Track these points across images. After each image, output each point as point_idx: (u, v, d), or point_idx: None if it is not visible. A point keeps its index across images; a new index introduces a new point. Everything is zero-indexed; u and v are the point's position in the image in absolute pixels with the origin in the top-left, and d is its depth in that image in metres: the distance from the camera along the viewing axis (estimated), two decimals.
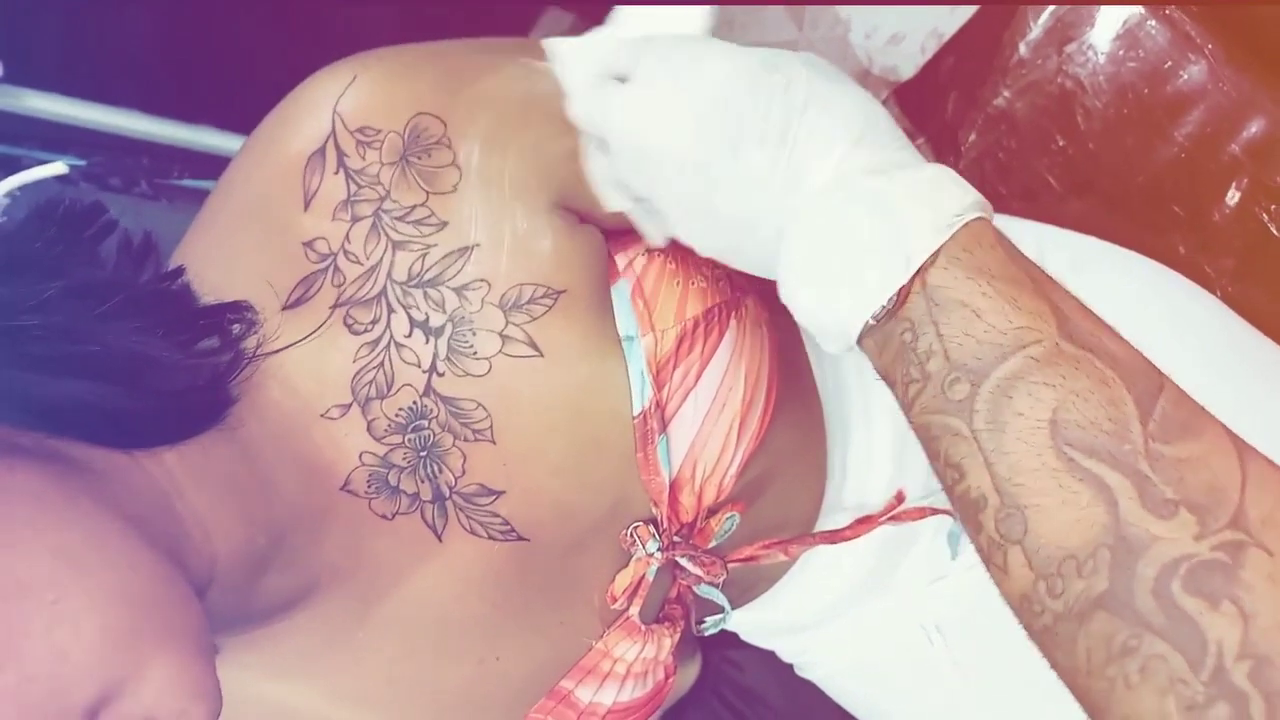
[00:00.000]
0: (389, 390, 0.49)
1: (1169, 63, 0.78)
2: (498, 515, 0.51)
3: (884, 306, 0.41)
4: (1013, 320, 0.38)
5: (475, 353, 0.50)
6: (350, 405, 0.49)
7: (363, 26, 1.17)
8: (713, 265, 0.57)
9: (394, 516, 0.50)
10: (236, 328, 0.48)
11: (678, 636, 0.60)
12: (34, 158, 1.07)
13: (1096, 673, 0.35)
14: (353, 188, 0.49)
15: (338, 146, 0.49)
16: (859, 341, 0.43)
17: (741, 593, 0.69)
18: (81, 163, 1.07)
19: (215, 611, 0.43)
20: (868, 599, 0.72)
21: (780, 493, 0.63)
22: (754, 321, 0.57)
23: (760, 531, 0.62)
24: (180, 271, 0.49)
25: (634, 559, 0.56)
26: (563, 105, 0.52)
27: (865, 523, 0.66)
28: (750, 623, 0.76)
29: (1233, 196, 0.76)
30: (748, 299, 0.57)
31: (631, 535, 0.56)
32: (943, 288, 0.40)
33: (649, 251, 0.56)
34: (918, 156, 0.45)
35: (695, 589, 0.62)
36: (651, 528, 0.56)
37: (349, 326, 0.49)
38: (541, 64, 0.53)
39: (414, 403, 0.49)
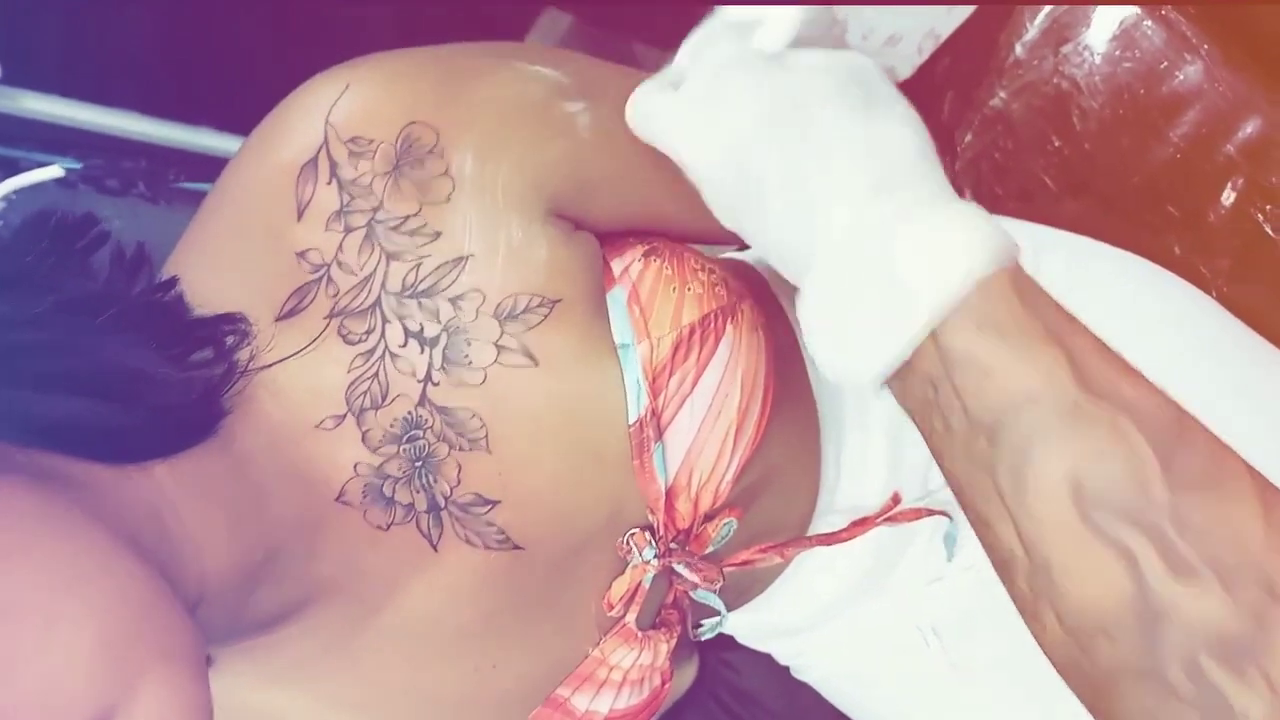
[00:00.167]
0: (384, 400, 0.49)
1: (1165, 63, 0.77)
2: (493, 524, 0.52)
3: (898, 363, 0.41)
4: (1024, 377, 0.38)
5: (470, 363, 0.50)
6: (345, 416, 0.49)
7: (360, 26, 1.17)
8: (710, 270, 0.57)
9: (389, 527, 0.50)
10: (230, 339, 0.48)
11: (674, 642, 0.60)
12: (32, 159, 1.07)
13: None
14: (345, 198, 0.49)
15: (330, 157, 0.49)
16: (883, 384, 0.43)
17: (737, 595, 0.69)
18: (78, 165, 1.07)
19: (208, 624, 0.43)
20: (863, 600, 0.73)
21: (776, 496, 0.63)
22: (750, 326, 0.57)
23: (756, 535, 0.62)
24: (173, 282, 0.49)
25: (630, 566, 0.56)
26: (556, 110, 0.52)
27: (861, 524, 0.66)
28: (746, 625, 0.76)
29: (1228, 197, 0.76)
30: (744, 303, 0.57)
31: (628, 542, 0.56)
32: (953, 347, 0.39)
33: (645, 256, 0.56)
34: (941, 191, 0.43)
35: (691, 594, 0.62)
36: (648, 535, 0.56)
37: (343, 337, 0.49)
38: (535, 68, 0.53)
39: (409, 413, 0.49)
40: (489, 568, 0.52)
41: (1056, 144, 0.81)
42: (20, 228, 0.44)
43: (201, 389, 0.45)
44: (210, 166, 1.10)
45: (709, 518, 0.57)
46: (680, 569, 0.58)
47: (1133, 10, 0.79)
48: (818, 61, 0.46)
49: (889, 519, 0.67)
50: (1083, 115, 0.80)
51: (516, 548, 0.52)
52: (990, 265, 0.39)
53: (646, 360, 0.52)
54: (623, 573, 0.56)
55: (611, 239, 0.57)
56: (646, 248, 0.56)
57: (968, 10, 0.87)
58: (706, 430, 0.54)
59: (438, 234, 0.49)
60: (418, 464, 0.50)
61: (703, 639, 0.66)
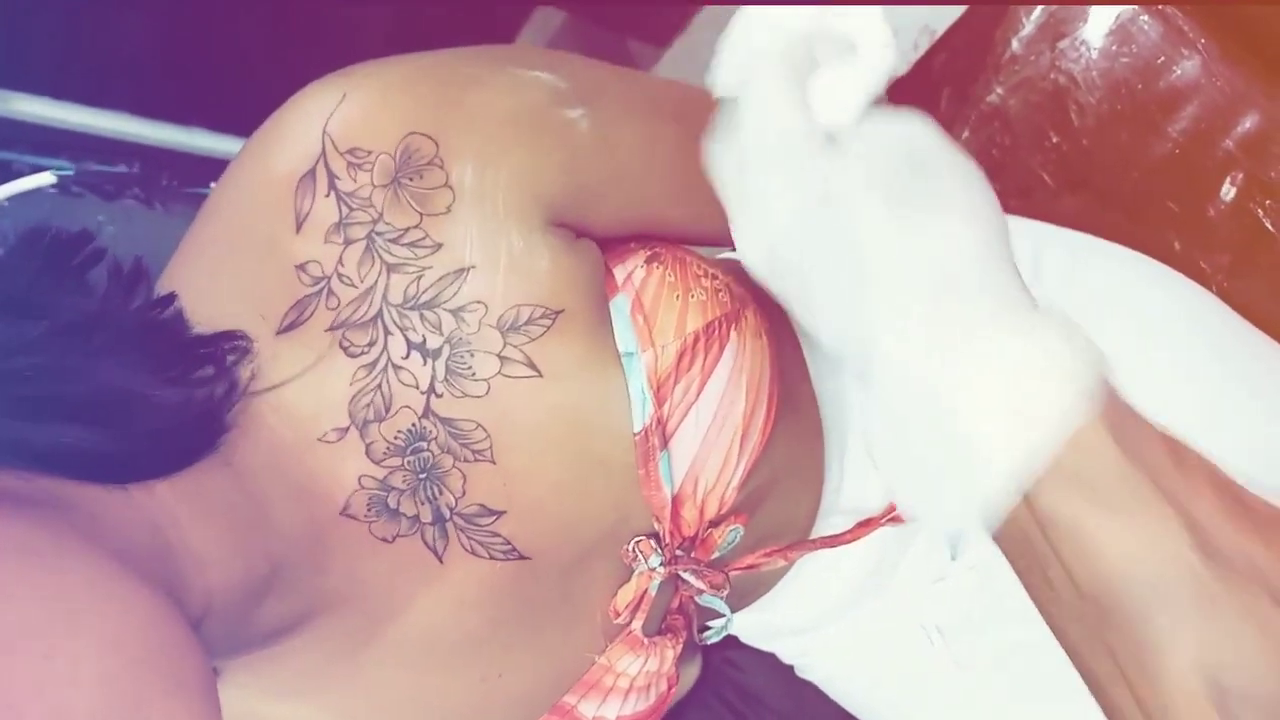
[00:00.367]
0: (387, 413, 0.49)
1: (1162, 58, 0.77)
2: (499, 535, 0.51)
3: (984, 531, 0.36)
4: (1137, 549, 0.33)
5: (474, 374, 0.49)
6: (348, 428, 0.49)
7: (355, 25, 1.16)
8: (713, 275, 0.57)
9: (394, 539, 0.50)
10: (231, 357, 0.47)
11: (680, 647, 0.60)
12: (24, 162, 1.07)
13: None
14: (345, 210, 0.48)
15: (328, 168, 0.48)
16: None
17: (741, 597, 0.69)
18: (71, 168, 1.06)
19: (212, 639, 0.43)
20: (867, 600, 0.73)
21: (780, 500, 0.63)
22: (754, 332, 0.57)
23: (761, 540, 0.62)
24: (171, 299, 0.48)
25: (636, 574, 0.56)
26: (555, 117, 0.51)
27: (866, 525, 0.66)
28: (750, 625, 0.76)
29: (1228, 192, 0.75)
30: (748, 310, 0.57)
31: (634, 550, 0.56)
32: (1047, 509, 0.34)
33: (647, 262, 0.55)
34: (1008, 302, 0.36)
35: (697, 599, 0.62)
36: (653, 542, 0.56)
37: (345, 349, 0.49)
38: (532, 73, 0.53)
39: (413, 425, 0.49)
40: (495, 578, 0.52)
41: (1054, 140, 0.81)
42: (14, 247, 0.43)
43: (201, 408, 0.45)
44: (204, 168, 1.09)
45: (714, 524, 0.57)
46: (686, 575, 0.58)
47: (1129, 5, 0.78)
48: (868, 144, 0.40)
49: (892, 519, 0.67)
50: (1080, 111, 0.80)
51: (522, 558, 0.52)
52: (1083, 412, 0.34)
53: (651, 369, 0.52)
54: (628, 580, 0.56)
55: (612, 245, 0.56)
56: (648, 253, 0.56)
57: (962, 5, 0.87)
58: (712, 438, 0.54)
59: (439, 245, 0.49)
60: (422, 476, 0.50)
61: (709, 642, 0.66)
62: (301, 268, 0.48)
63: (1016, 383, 0.34)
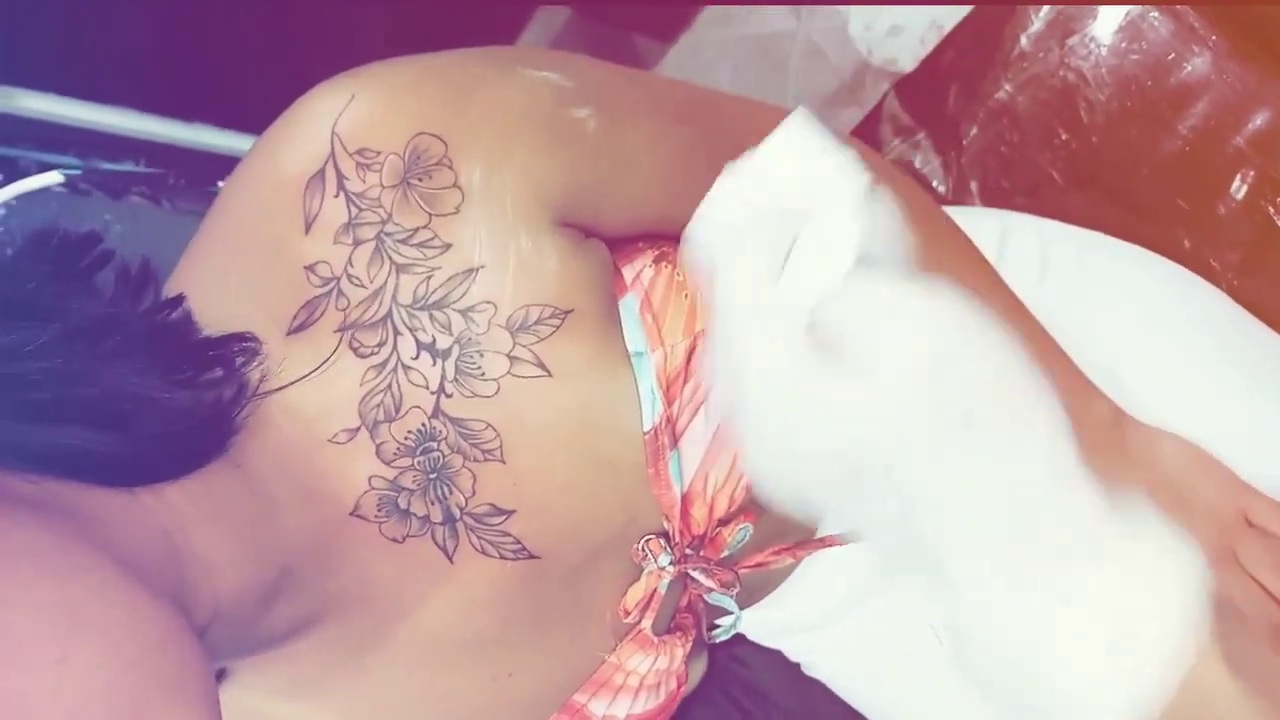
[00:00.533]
0: (397, 413, 0.49)
1: (1172, 55, 0.77)
2: (509, 534, 0.51)
3: None
4: None
5: (483, 374, 0.49)
6: (358, 429, 0.49)
7: (357, 24, 1.16)
8: None
9: (404, 539, 0.50)
10: (240, 359, 0.47)
11: (690, 646, 0.61)
12: (30, 159, 1.07)
13: None
14: (354, 211, 0.48)
15: (337, 169, 0.48)
16: None
17: (748, 594, 0.69)
18: (77, 165, 1.06)
19: (220, 642, 0.43)
20: (874, 598, 0.73)
21: None
22: None
23: (770, 538, 0.62)
24: (179, 300, 0.48)
25: (646, 573, 0.56)
26: (562, 117, 0.51)
27: None
28: (757, 622, 0.76)
29: (1238, 189, 0.75)
30: None
31: (643, 549, 0.56)
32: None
33: (655, 262, 0.55)
34: (1099, 516, 0.32)
35: (706, 597, 0.62)
36: (663, 541, 0.56)
37: (355, 350, 0.49)
38: (540, 73, 0.53)
39: (423, 425, 0.49)
40: (505, 577, 0.52)
41: (1063, 137, 0.81)
42: (22, 249, 0.43)
43: (210, 410, 0.45)
44: (211, 165, 1.09)
45: (724, 522, 0.57)
46: (696, 574, 0.58)
47: (1139, 3, 0.78)
48: (918, 361, 0.37)
49: None
50: (1089, 108, 0.80)
51: (532, 557, 0.52)
52: (1194, 648, 0.31)
53: (660, 368, 0.52)
54: (638, 579, 0.56)
55: (620, 244, 0.56)
56: (656, 253, 0.56)
57: (971, 2, 0.87)
58: (722, 436, 0.54)
59: (448, 246, 0.49)
60: (432, 476, 0.50)
61: (718, 641, 0.66)
62: (311, 269, 0.48)
63: (1115, 619, 0.31)
